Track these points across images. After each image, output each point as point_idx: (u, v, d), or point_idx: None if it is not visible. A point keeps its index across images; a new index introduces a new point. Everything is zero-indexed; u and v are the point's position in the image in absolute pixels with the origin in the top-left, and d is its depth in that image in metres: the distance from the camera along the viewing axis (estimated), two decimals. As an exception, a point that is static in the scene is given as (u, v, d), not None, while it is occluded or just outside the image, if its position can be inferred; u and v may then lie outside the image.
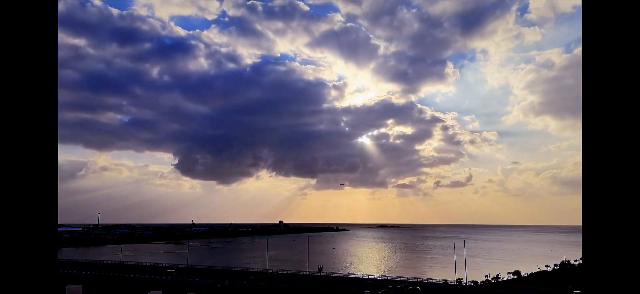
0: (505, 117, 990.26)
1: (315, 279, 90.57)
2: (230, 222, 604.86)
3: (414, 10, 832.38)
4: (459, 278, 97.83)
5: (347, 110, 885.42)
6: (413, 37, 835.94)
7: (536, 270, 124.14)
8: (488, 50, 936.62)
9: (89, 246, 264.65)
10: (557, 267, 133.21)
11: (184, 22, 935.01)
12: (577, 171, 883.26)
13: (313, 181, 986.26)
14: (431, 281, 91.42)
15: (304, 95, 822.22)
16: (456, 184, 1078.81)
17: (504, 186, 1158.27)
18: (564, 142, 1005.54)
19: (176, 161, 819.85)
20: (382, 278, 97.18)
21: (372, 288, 77.99)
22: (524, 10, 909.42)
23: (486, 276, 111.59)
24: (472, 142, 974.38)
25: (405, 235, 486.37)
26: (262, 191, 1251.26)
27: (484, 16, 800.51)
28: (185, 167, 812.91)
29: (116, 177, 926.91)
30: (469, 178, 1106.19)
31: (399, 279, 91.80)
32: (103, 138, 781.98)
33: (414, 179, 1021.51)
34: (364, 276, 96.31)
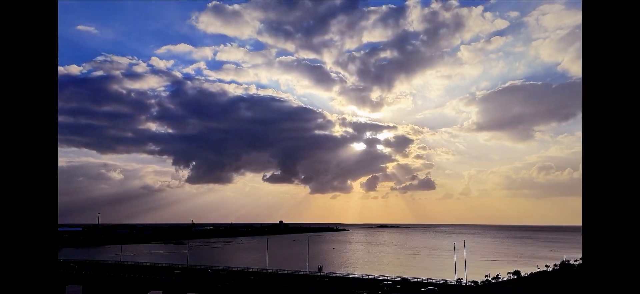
0: (459, 132, 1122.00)
1: (315, 279, 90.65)
2: (230, 222, 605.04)
3: (361, 52, 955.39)
4: (459, 278, 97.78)
5: (333, 123, 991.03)
6: (360, 75, 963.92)
7: (536, 270, 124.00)
8: (432, 82, 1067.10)
9: (88, 247, 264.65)
10: (557, 267, 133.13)
11: (183, 60, 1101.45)
12: (521, 176, 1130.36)
13: (310, 186, 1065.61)
14: (431, 280, 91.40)
15: (294, 112, 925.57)
16: (428, 187, 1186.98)
17: (468, 189, 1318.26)
18: (512, 153, 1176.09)
19: (177, 164, 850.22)
20: (382, 277, 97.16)
21: (371, 288, 77.96)
22: (455, 50, 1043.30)
23: (486, 276, 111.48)
24: (439, 152, 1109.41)
25: (404, 235, 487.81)
26: (261, 193, 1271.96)
27: (422, 61, 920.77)
28: (186, 169, 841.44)
29: (117, 178, 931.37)
30: (437, 184, 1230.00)
31: (398, 279, 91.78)
32: (108, 142, 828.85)
33: (400, 183, 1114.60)
34: (363, 276, 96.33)
